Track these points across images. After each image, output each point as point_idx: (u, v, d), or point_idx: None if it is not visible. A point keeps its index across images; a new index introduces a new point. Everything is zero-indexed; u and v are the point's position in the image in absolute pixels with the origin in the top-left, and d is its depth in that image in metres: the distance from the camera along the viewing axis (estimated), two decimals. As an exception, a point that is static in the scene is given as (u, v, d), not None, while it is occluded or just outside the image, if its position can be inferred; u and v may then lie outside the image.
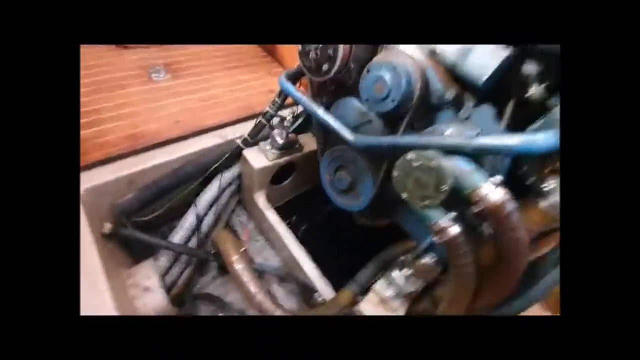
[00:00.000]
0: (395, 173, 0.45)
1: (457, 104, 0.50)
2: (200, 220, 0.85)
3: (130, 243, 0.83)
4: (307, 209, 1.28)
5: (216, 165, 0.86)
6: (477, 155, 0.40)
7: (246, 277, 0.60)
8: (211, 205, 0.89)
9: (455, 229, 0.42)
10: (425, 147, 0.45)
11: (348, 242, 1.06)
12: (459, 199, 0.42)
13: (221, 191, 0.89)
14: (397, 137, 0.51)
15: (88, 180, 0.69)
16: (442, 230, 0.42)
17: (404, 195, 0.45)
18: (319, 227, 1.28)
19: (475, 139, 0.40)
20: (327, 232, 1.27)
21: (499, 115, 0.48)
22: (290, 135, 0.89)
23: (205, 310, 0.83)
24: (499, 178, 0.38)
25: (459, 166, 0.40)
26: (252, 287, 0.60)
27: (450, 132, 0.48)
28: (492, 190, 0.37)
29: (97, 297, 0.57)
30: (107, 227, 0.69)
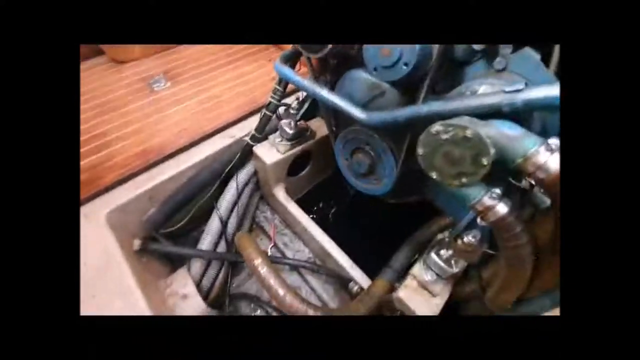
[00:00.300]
0: (420, 150, 0.38)
1: (490, 54, 0.41)
2: (224, 223, 0.85)
3: (164, 253, 0.86)
4: (331, 196, 1.24)
5: (229, 167, 0.84)
6: (524, 116, 0.32)
7: (272, 280, 0.58)
8: (233, 207, 0.88)
9: (503, 208, 0.35)
10: (454, 114, 0.37)
11: (378, 225, 1.01)
12: (503, 171, 0.34)
13: (240, 191, 0.87)
14: (417, 107, 0.43)
15: (108, 203, 0.71)
16: (488, 210, 0.35)
17: (434, 175, 0.39)
18: (345, 213, 1.24)
19: (520, 93, 0.32)
20: (355, 217, 1.23)
21: (545, 60, 0.38)
22: (299, 123, 0.83)
23: (244, 308, 0.85)
24: (555, 141, 0.30)
25: (503, 131, 0.32)
26: (280, 289, 0.58)
27: (484, 89, 0.39)
28: (550, 156, 0.29)
29: (136, 313, 0.58)
30: (137, 243, 0.70)
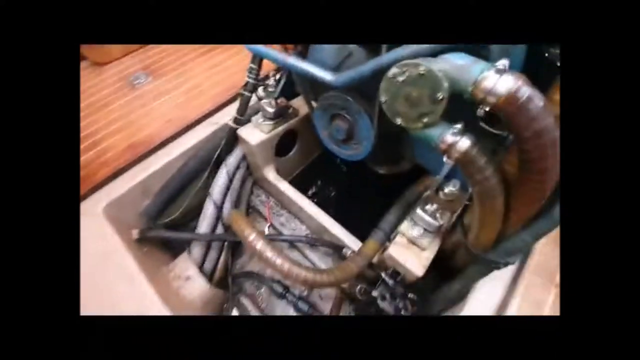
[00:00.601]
0: (382, 98, 0.39)
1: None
2: (219, 208, 0.87)
3: (165, 241, 0.89)
4: (325, 175, 1.26)
5: (217, 153, 0.85)
6: (482, 51, 0.33)
7: (269, 253, 0.60)
8: (226, 192, 0.90)
9: (464, 142, 0.36)
10: (413, 57, 0.38)
11: (373, 198, 1.02)
12: (462, 106, 0.35)
13: (231, 176, 0.89)
14: (379, 58, 0.44)
15: (104, 197, 0.73)
16: (451, 147, 0.36)
17: (399, 121, 0.39)
18: (341, 191, 1.25)
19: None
20: (351, 192, 1.24)
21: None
22: (279, 101, 0.84)
23: (249, 287, 0.88)
24: (503, 62, 0.30)
25: (454, 62, 0.33)
26: (278, 260, 0.60)
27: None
28: (499, 79, 0.30)
29: (143, 298, 0.62)
30: (135, 233, 0.73)
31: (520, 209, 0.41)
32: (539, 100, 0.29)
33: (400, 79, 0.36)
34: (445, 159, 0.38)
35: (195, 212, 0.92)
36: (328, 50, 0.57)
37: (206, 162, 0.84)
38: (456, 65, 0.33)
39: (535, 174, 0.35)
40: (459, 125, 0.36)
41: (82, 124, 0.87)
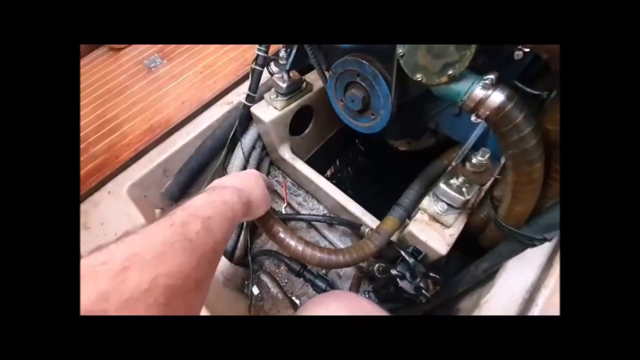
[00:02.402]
0: (399, 50, 0.34)
1: None
2: (236, 188, 0.88)
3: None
4: (344, 153, 1.22)
5: (232, 132, 0.84)
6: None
7: (282, 234, 0.58)
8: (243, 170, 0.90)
9: (498, 96, 0.30)
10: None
11: (394, 179, 0.97)
12: (494, 55, 0.30)
13: (246, 157, 0.89)
14: None
15: (128, 179, 0.76)
16: (480, 103, 0.31)
17: (419, 77, 0.35)
18: (361, 169, 1.21)
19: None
20: (371, 172, 1.20)
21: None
22: (292, 75, 0.80)
23: (268, 264, 0.90)
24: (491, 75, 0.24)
25: None
26: (292, 241, 0.58)
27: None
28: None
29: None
30: (158, 212, 0.76)
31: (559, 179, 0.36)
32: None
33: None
34: (473, 118, 0.33)
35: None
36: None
37: (223, 141, 0.84)
38: None
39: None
40: (491, 76, 0.31)
41: (102, 109, 0.90)
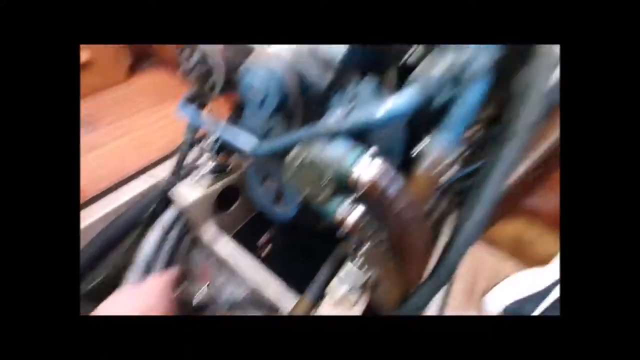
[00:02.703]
0: (283, 178, 0.43)
1: (341, 87, 0.49)
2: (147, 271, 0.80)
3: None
4: (271, 226, 1.24)
5: (149, 211, 0.82)
6: (361, 135, 0.39)
7: None
8: (157, 252, 0.85)
9: (353, 216, 0.40)
10: (310, 140, 0.43)
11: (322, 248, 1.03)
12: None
13: (160, 240, 0.84)
14: (288, 137, 0.49)
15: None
16: (342, 222, 0.41)
17: (303, 197, 0.44)
18: (291, 238, 1.24)
19: (345, 119, 0.39)
20: (299, 242, 1.24)
21: (381, 85, 0.47)
22: (219, 157, 0.86)
23: None
24: (372, 150, 0.36)
25: (335, 150, 0.38)
26: None
27: (335, 116, 0.47)
28: (366, 167, 0.35)
29: None
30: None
31: (412, 272, 0.46)
32: (397, 188, 0.35)
33: (297, 161, 0.41)
34: (340, 232, 0.42)
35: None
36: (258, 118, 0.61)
37: (134, 223, 0.80)
38: (336, 153, 0.38)
39: (405, 253, 0.40)
40: (348, 200, 0.41)
41: None
